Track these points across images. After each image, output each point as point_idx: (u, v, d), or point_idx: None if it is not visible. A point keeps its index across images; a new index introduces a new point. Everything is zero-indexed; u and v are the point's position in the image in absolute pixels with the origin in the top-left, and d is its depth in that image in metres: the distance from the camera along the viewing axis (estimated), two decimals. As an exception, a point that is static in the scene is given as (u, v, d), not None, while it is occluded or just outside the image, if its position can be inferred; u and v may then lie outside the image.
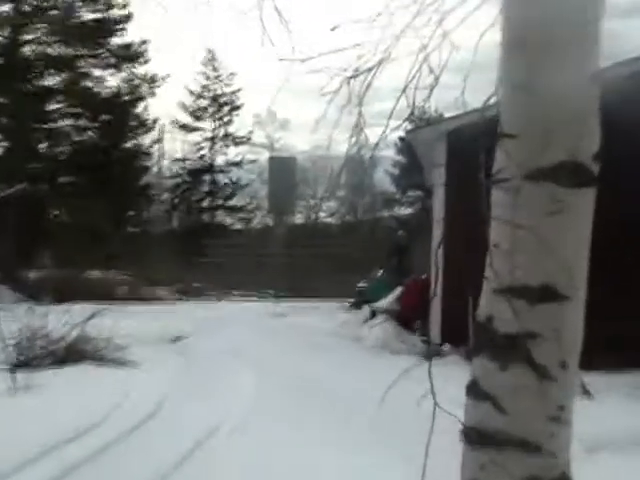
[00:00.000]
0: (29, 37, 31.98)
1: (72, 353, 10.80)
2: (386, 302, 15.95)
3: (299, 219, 46.74)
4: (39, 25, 31.59)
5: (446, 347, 12.66)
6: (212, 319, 17.93)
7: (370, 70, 3.19)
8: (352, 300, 21.55)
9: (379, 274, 22.02)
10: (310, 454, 6.68)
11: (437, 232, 13.06)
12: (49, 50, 32.28)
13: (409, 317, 14.95)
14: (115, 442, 6.84)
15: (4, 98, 30.89)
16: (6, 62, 30.78)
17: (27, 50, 32.00)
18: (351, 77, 3.23)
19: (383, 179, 45.93)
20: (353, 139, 3.41)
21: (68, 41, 32.11)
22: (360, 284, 22.50)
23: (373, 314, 16.11)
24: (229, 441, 7.13)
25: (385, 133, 3.24)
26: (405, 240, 23.18)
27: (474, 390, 2.90)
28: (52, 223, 32.80)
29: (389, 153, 43.75)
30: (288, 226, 36.58)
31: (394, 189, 47.18)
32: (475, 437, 2.88)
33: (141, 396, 8.83)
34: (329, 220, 48.83)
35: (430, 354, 10.37)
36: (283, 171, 31.05)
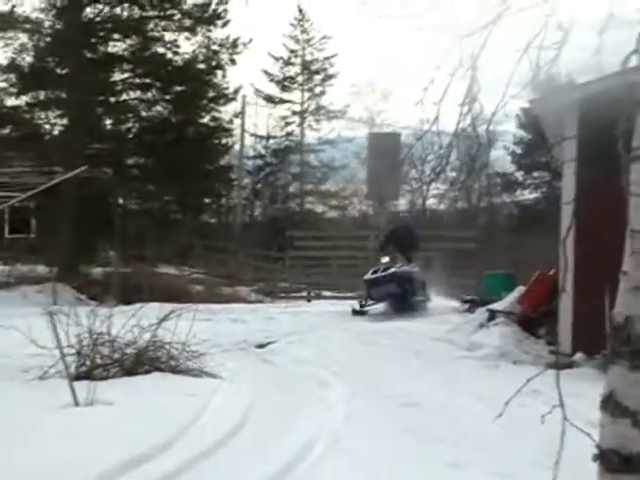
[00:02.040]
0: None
1: (141, 361, 10.97)
2: (506, 302, 15.72)
3: (403, 206, 46.35)
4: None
5: (578, 357, 12.47)
6: (300, 321, 18.00)
7: (486, 27, 3.14)
8: (466, 300, 21.19)
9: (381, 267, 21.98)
10: (410, 477, 6.73)
11: (566, 217, 12.80)
12: (116, 11, 32.52)
13: (533, 320, 14.76)
14: (189, 465, 6.91)
15: (64, 68, 31.33)
16: (67, 26, 31.18)
17: (91, 12, 32.32)
18: (464, 36, 3.17)
19: (502, 158, 45.34)
20: (465, 109, 3.36)
21: (138, 1, 32.35)
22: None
23: (491, 317, 15.85)
24: (321, 464, 7.18)
25: (503, 102, 3.19)
26: (404, 227, 24.20)
27: (611, 405, 2.84)
28: (117, 212, 33.13)
29: (509, 127, 43.30)
30: (390, 214, 36.35)
31: (515, 169, 46.60)
32: (615, 461, 2.82)
33: (221, 410, 8.93)
34: (438, 206, 48.37)
35: (558, 365, 10.23)
36: (385, 150, 30.76)
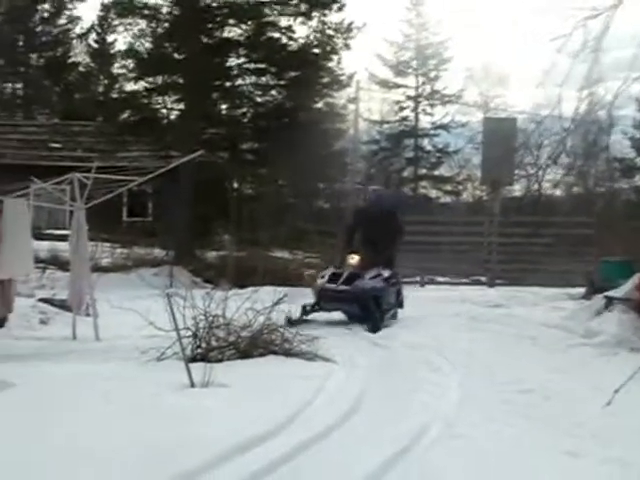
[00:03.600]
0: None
1: (256, 344, 11.06)
2: (624, 289, 15.42)
3: (518, 191, 45.86)
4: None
5: None
6: (413, 307, 17.95)
7: (611, 8, 3.10)
8: (583, 287, 20.71)
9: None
10: (525, 464, 6.71)
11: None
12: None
13: None
14: (306, 446, 6.96)
15: (181, 53, 31.65)
16: (184, 12, 31.50)
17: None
18: (587, 18, 3.15)
19: (621, 142, 44.59)
20: (585, 93, 3.33)
21: (253, -15, 32.48)
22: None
23: (608, 304, 15.56)
24: (435, 448, 7.18)
25: (625, 85, 3.15)
26: (378, 206, 18.13)
27: None
28: (232, 196, 33.38)
29: (629, 111, 42.55)
30: (504, 199, 36.01)
31: (635, 155, 45.76)
32: None
33: (334, 394, 8.96)
34: (553, 192, 47.68)
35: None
36: (500, 134, 30.48)
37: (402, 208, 17.96)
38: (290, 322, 14.41)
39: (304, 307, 15.88)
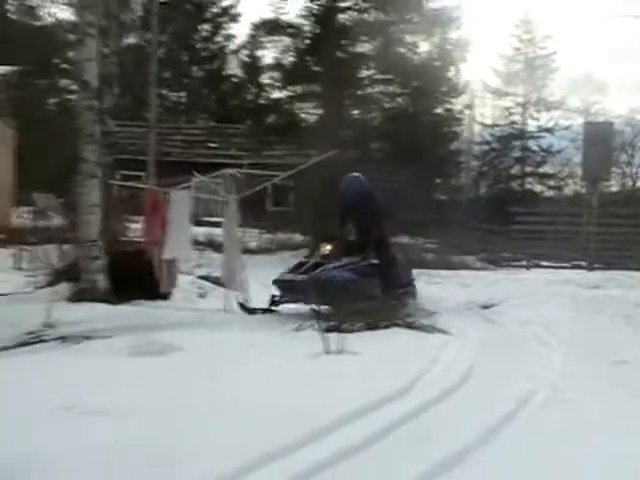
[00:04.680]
0: (346, 4, 32.72)
1: (383, 318, 11.06)
2: None
3: (614, 187, 45.03)
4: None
5: None
6: (520, 288, 17.67)
7: None
8: None
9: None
10: (626, 428, 6.56)
11: None
12: (364, 17, 32.84)
13: None
14: (424, 407, 6.93)
15: (319, 66, 31.83)
16: (322, 30, 31.70)
17: (343, 17, 32.73)
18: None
19: None
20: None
21: (383, 7, 32.54)
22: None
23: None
24: (542, 412, 7.07)
25: None
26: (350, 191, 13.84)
27: None
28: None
29: None
30: (602, 193, 35.36)
31: None
32: None
33: (450, 362, 8.89)
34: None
35: None
36: (598, 137, 30.11)
37: (375, 194, 13.85)
38: (245, 309, 12.98)
39: (273, 297, 13.02)
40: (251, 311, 12.86)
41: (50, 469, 5.11)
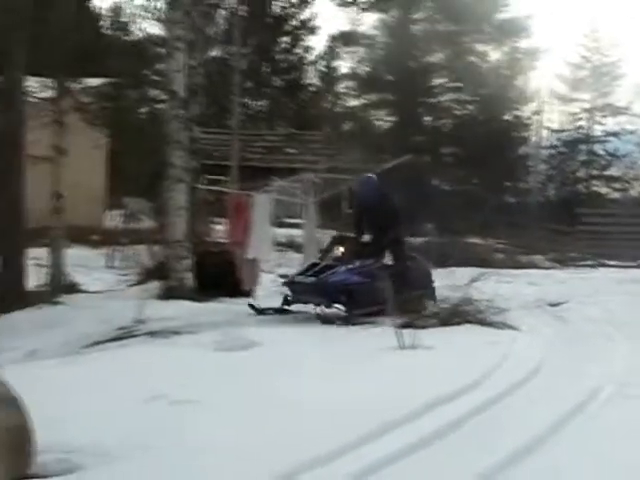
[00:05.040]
0: (419, 16, 32.67)
1: (455, 314, 10.99)
2: None
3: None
4: (429, 4, 32.23)
5: None
6: (588, 286, 17.44)
7: None
8: None
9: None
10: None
11: None
12: (436, 27, 32.74)
13: None
14: (496, 400, 6.87)
15: (392, 75, 31.82)
16: (395, 41, 31.70)
17: (416, 29, 32.68)
18: None
19: None
20: None
21: (454, 18, 32.39)
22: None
23: None
24: (609, 405, 6.96)
25: None
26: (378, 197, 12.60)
27: None
28: (434, 192, 33.33)
29: None
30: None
31: None
32: None
33: (520, 357, 8.79)
34: None
35: None
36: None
37: (389, 195, 12.86)
38: (255, 310, 12.24)
39: (285, 297, 12.33)
40: (262, 311, 12.19)
41: (140, 455, 5.20)
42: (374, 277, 11.56)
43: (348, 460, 5.17)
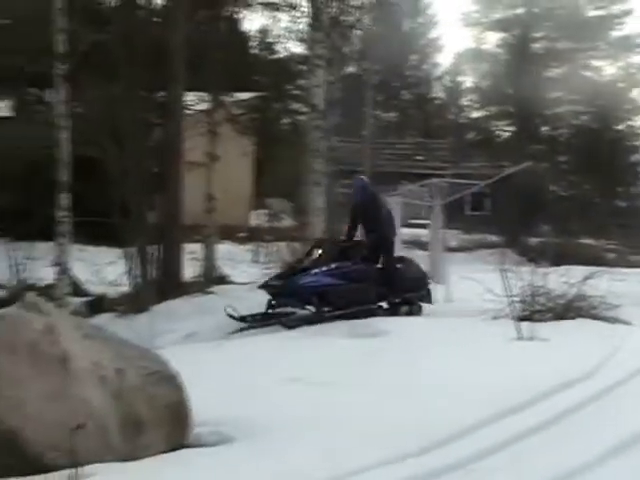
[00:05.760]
0: (539, 35, 32.13)
1: (569, 309, 10.70)
2: None
3: None
4: (548, 24, 31.68)
5: None
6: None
7: None
8: None
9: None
10: None
11: None
12: (554, 45, 32.13)
13: None
14: (609, 389, 6.66)
15: (513, 89, 31.36)
16: (515, 58, 31.25)
17: (536, 46, 32.15)
18: None
19: None
20: None
21: (572, 36, 31.73)
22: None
23: None
24: None
25: None
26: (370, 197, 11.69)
27: None
28: (550, 196, 32.67)
29: None
30: None
31: None
32: None
33: (633, 349, 8.48)
34: None
35: None
36: None
37: (378, 196, 11.85)
38: (235, 318, 10.83)
39: (269, 301, 11.07)
40: (242, 319, 10.91)
41: (282, 430, 5.26)
42: (351, 279, 10.84)
43: (494, 429, 5.27)
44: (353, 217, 11.86)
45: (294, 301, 10.81)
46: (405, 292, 11.51)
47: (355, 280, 10.82)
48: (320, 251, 11.27)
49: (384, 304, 11.45)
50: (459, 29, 47.49)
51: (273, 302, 11.01)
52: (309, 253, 11.54)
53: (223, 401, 5.74)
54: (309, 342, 8.79)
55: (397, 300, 11.52)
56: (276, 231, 22.11)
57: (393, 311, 11.36)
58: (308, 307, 10.87)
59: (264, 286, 11.10)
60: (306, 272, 10.88)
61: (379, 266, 11.43)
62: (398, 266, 11.60)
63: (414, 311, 11.61)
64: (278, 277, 11.24)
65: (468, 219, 31.85)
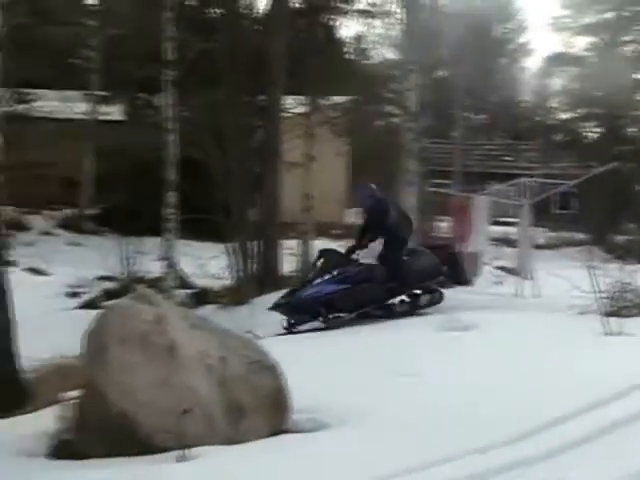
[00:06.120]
0: (628, 38, 31.35)
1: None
2: None
3: None
4: (636, 28, 30.90)
5: None
6: None
7: None
8: None
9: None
10: None
11: None
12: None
13: None
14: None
15: (600, 91, 30.64)
16: (605, 61, 30.51)
17: (624, 50, 31.38)
18: None
19: None
20: None
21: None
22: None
23: None
24: None
25: None
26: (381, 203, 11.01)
27: None
28: (637, 195, 31.78)
29: None
30: None
31: None
32: None
33: None
34: None
35: None
36: None
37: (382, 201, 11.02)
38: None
39: (288, 321, 10.45)
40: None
41: (376, 418, 5.27)
42: (355, 281, 10.34)
43: (591, 419, 5.16)
44: (364, 225, 11.28)
45: (303, 315, 10.31)
46: (419, 282, 10.90)
47: (359, 282, 10.36)
48: (321, 260, 10.80)
49: (404, 298, 10.86)
50: (548, 33, 46.56)
51: (292, 321, 10.40)
52: (314, 264, 11.11)
53: (320, 389, 5.75)
54: (403, 334, 8.74)
55: (415, 291, 10.93)
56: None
57: (414, 303, 10.85)
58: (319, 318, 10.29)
59: (274, 307, 10.51)
60: (310, 284, 10.46)
61: (380, 262, 10.73)
62: (404, 259, 10.91)
63: (435, 299, 11.04)
64: (286, 295, 10.56)
65: (555, 217, 31.29)
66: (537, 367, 6.60)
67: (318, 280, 10.36)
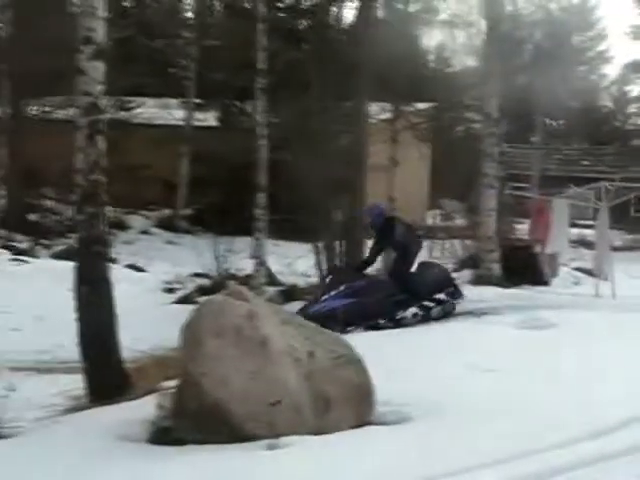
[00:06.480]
0: None
1: None
2: None
3: None
4: None
5: None
6: None
7: None
8: None
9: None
10: None
11: None
12: None
13: None
14: None
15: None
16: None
17: None
18: None
19: None
20: None
21: None
22: None
23: None
24: None
25: None
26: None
27: None
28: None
29: None
30: None
31: None
32: None
33: None
34: None
35: None
36: None
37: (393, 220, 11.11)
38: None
39: None
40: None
41: (458, 411, 5.23)
42: (362, 295, 10.08)
43: None
44: (374, 242, 10.99)
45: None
46: (430, 294, 10.67)
47: (366, 295, 10.13)
48: (330, 277, 10.86)
49: (416, 310, 10.49)
50: (627, 41, 45.41)
51: None
52: (323, 280, 11.06)
53: (403, 383, 5.73)
54: (484, 331, 8.64)
55: (427, 303, 10.62)
56: (449, 229, 21.83)
57: (426, 315, 10.50)
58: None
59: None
60: (320, 299, 10.23)
61: (390, 276, 10.78)
62: (413, 272, 10.74)
63: (447, 309, 10.76)
64: (299, 310, 9.87)
65: (633, 220, 30.43)
66: (618, 364, 6.48)
67: (325, 296, 10.21)
